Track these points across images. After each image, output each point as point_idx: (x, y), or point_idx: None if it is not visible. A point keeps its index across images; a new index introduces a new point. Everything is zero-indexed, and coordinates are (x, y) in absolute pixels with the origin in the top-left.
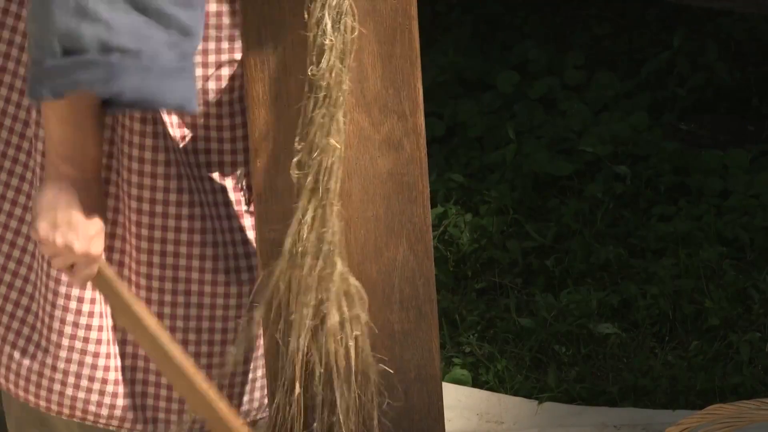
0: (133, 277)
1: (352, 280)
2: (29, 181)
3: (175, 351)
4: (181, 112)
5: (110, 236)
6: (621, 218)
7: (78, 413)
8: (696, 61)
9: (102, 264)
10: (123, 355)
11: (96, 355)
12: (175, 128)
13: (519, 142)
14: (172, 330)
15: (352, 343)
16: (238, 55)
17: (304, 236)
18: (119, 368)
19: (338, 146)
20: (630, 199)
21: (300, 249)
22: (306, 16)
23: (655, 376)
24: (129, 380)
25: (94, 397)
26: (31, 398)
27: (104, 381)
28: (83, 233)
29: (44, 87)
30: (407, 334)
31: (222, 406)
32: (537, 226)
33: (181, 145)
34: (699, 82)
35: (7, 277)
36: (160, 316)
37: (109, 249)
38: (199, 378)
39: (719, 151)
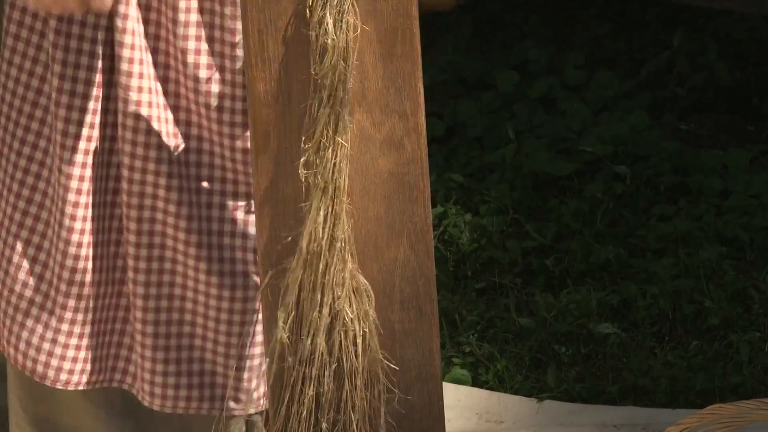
0: (130, 262)
1: (360, 277)
2: (46, 137)
3: None
4: None
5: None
6: (621, 218)
7: (39, 367)
8: (696, 61)
9: None
10: (94, 309)
11: (63, 307)
12: (170, 137)
13: (519, 142)
14: (156, 324)
15: (360, 341)
16: (239, 51)
17: (319, 235)
18: (88, 322)
19: (345, 144)
20: (630, 199)
21: (315, 248)
22: (308, 14)
23: (654, 375)
24: (95, 333)
25: (58, 351)
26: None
27: (69, 334)
28: None
29: None
30: (408, 334)
31: None
32: (537, 226)
33: (174, 144)
34: (699, 82)
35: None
36: (145, 298)
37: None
38: None
39: (719, 151)
